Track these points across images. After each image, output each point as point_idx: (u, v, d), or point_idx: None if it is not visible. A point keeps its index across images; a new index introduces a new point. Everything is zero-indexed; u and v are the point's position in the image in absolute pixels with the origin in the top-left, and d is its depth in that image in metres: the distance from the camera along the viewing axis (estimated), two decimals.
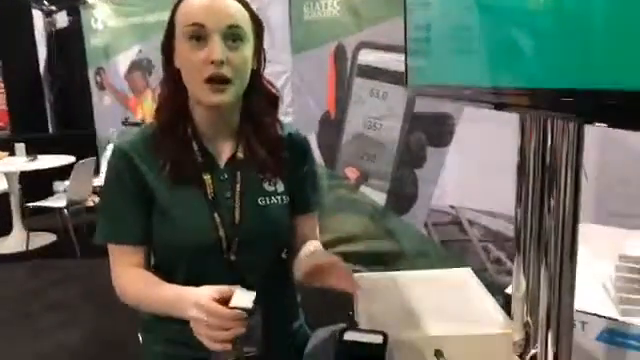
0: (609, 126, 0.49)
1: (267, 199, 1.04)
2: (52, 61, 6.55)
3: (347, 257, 3.77)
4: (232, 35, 0.93)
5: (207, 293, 0.85)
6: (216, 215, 0.99)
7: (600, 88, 0.49)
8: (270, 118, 1.07)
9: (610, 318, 1.34)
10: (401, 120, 3.37)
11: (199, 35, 0.92)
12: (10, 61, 6.26)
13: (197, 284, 0.97)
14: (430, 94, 1.17)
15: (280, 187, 1.06)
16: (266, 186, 1.05)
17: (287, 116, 3.99)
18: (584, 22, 0.52)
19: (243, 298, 0.85)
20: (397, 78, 3.29)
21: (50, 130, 6.71)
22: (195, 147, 1.01)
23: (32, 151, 4.90)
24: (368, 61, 3.53)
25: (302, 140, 1.14)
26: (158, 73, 4.13)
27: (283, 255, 1.13)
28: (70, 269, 4.19)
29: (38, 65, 6.51)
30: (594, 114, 0.51)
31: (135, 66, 5.41)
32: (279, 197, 1.06)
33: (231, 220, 1.00)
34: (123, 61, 5.54)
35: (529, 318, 0.96)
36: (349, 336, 0.79)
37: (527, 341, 0.96)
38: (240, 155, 1.04)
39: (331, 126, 3.84)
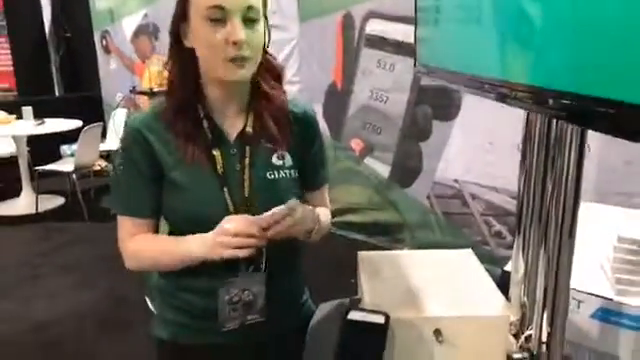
0: (607, 134, 0.51)
1: (276, 173, 1.07)
2: (57, 24, 6.49)
3: (351, 227, 3.86)
4: (250, 15, 0.96)
5: (219, 229, 0.96)
6: (225, 189, 1.02)
7: (602, 96, 0.50)
8: (277, 91, 1.09)
9: (605, 297, 1.38)
10: (407, 93, 3.36)
11: (219, 16, 0.94)
12: (15, 23, 6.21)
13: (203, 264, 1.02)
14: (436, 76, 1.18)
15: (288, 161, 1.09)
16: (275, 160, 1.08)
17: (293, 85, 3.97)
18: (593, 29, 0.53)
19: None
20: (405, 50, 3.27)
21: (56, 93, 6.71)
22: (205, 124, 1.04)
23: (39, 114, 4.92)
24: (376, 31, 3.50)
25: (312, 117, 1.15)
26: (164, 38, 4.10)
27: None
28: (79, 231, 4.28)
29: (43, 27, 6.47)
30: (593, 121, 0.53)
31: (141, 30, 5.37)
32: (287, 171, 1.08)
33: (240, 193, 1.04)
34: (129, 25, 5.50)
35: (526, 299, 1.00)
36: (353, 316, 0.84)
37: (523, 321, 1.01)
38: (249, 130, 1.06)
39: (337, 97, 3.83)
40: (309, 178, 1.14)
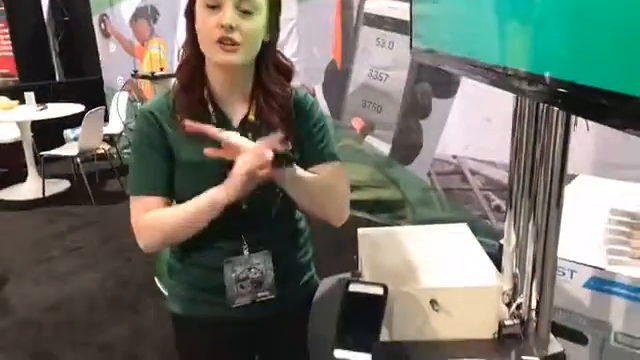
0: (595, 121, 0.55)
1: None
2: (56, 7, 6.46)
3: (353, 205, 3.91)
4: (243, 4, 1.01)
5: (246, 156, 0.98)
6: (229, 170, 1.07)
7: (592, 85, 0.53)
8: (280, 88, 1.12)
9: (597, 267, 1.44)
10: (407, 70, 3.38)
11: (215, 3, 1.00)
12: (14, 7, 6.19)
13: (214, 231, 1.07)
14: (430, 61, 1.21)
15: (288, 147, 1.13)
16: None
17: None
18: (583, 16, 0.56)
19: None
20: (404, 27, 3.26)
21: (57, 77, 6.71)
22: (211, 108, 1.10)
23: (40, 99, 4.95)
24: (375, 9, 3.50)
25: (312, 100, 1.19)
26: (163, 21, 4.14)
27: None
28: (86, 215, 4.35)
29: (42, 11, 6.44)
30: (582, 109, 0.57)
31: (139, 13, 5.35)
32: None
33: None
34: (127, 8, 5.48)
35: (517, 270, 1.06)
36: (353, 287, 0.89)
37: (515, 291, 1.06)
38: (252, 118, 1.11)
39: (337, 76, 3.84)
40: (312, 152, 1.16)
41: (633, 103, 0.47)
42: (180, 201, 1.12)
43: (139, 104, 5.56)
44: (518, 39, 0.74)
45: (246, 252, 1.12)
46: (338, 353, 0.81)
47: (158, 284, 3.09)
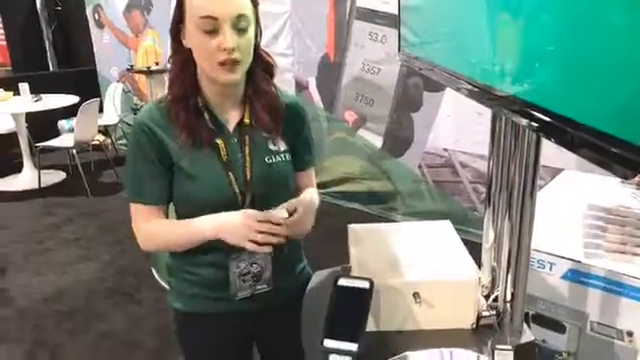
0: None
1: (273, 157, 1.18)
2: None
3: (345, 196, 3.98)
4: (240, 23, 1.04)
5: (250, 218, 1.06)
6: (230, 174, 1.13)
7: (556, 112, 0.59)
8: (268, 85, 1.18)
9: (575, 260, 1.51)
10: (399, 65, 3.43)
11: (212, 26, 1.02)
12: None
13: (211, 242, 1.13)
14: (416, 66, 1.28)
15: (282, 146, 1.20)
16: (271, 146, 1.19)
17: (286, 58, 4.02)
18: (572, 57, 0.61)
19: (278, 212, 1.09)
20: (396, 22, 3.31)
21: (50, 68, 6.70)
22: (206, 116, 1.14)
23: (34, 90, 4.95)
24: (367, 4, 3.54)
25: (300, 105, 1.26)
26: (157, 12, 4.16)
27: None
28: (82, 205, 4.39)
29: (35, 1, 6.41)
30: (546, 131, 0.64)
31: (133, 4, 5.34)
32: (282, 155, 1.20)
33: (244, 177, 1.15)
34: None
35: (495, 264, 1.13)
36: (342, 282, 0.96)
37: (493, 284, 1.14)
38: (247, 120, 1.16)
39: (330, 69, 3.89)
40: (299, 160, 1.25)
41: (579, 127, 0.54)
42: (177, 205, 1.18)
43: (135, 98, 5.57)
44: (492, 59, 0.80)
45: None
46: (327, 342, 0.87)
47: (155, 275, 3.16)
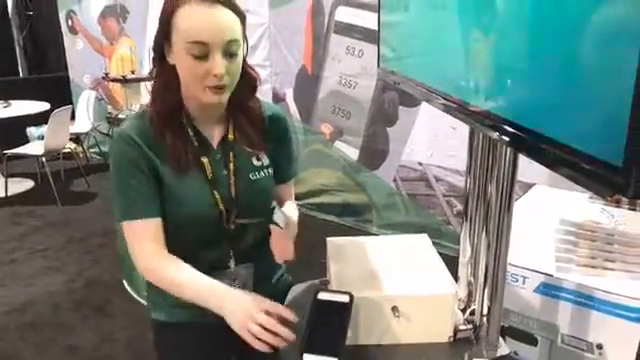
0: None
1: (257, 173, 1.17)
2: (20, 1, 6.31)
3: (321, 208, 3.98)
4: (231, 48, 1.01)
5: (256, 305, 0.97)
6: (215, 192, 1.11)
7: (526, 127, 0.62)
8: (252, 100, 1.17)
9: (547, 274, 1.55)
10: (375, 79, 3.47)
11: (202, 52, 0.99)
12: None
13: (201, 250, 1.13)
14: (396, 81, 1.30)
15: (266, 161, 1.20)
16: (255, 162, 1.18)
17: (264, 69, 4.03)
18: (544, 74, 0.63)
19: (278, 219, 1.03)
20: (373, 37, 3.35)
21: (21, 74, 6.55)
22: (191, 132, 1.11)
23: (4, 96, 4.83)
24: (345, 18, 3.58)
25: (283, 118, 1.25)
26: (133, 20, 4.12)
27: None
28: (51, 215, 4.28)
29: (6, 4, 6.28)
30: (520, 147, 0.66)
31: (108, 11, 5.28)
32: (266, 170, 1.19)
33: (228, 195, 1.13)
34: (95, 5, 5.40)
35: (472, 278, 1.15)
36: (322, 296, 0.96)
37: (469, 297, 1.16)
38: (231, 136, 1.15)
39: (308, 81, 3.91)
40: (281, 173, 1.25)
41: (557, 145, 0.56)
42: (168, 222, 1.11)
43: (109, 107, 5.49)
44: (466, 75, 0.83)
45: (232, 264, 1.17)
46: (307, 357, 0.87)
47: (127, 287, 3.10)
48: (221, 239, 1.15)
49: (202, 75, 1.01)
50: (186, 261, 1.09)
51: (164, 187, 1.10)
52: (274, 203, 1.06)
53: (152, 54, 1.10)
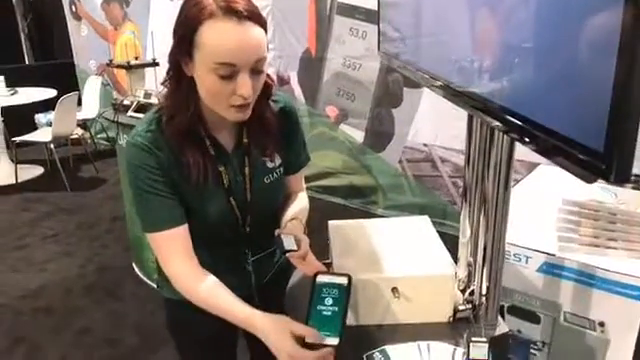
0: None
1: (271, 176, 1.17)
2: None
3: (327, 190, 3.99)
4: (258, 65, 0.95)
5: (290, 343, 0.92)
6: (232, 199, 1.12)
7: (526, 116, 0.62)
8: (266, 108, 1.13)
9: (549, 253, 1.56)
10: (379, 60, 3.45)
11: (229, 72, 0.93)
12: None
13: (217, 251, 1.14)
14: (395, 65, 1.29)
15: (278, 160, 1.19)
16: (269, 164, 1.17)
17: (268, 52, 4.01)
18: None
19: (288, 244, 1.02)
20: (376, 18, 3.33)
21: (27, 61, 6.57)
22: (207, 142, 1.08)
23: (10, 83, 4.85)
24: None
25: (292, 109, 1.22)
26: (136, 4, 4.10)
27: None
28: (61, 201, 4.33)
29: None
30: (514, 132, 0.66)
31: None
32: (278, 170, 1.19)
33: (244, 200, 1.14)
34: None
35: (471, 259, 1.16)
36: (321, 278, 0.98)
37: (469, 278, 1.17)
38: (245, 141, 1.13)
39: (312, 64, 3.89)
40: (292, 163, 1.24)
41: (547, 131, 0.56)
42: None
43: (114, 92, 5.50)
44: (467, 63, 0.83)
45: (249, 259, 1.21)
46: (309, 338, 0.90)
47: (137, 271, 3.15)
48: (237, 240, 1.18)
49: (227, 94, 0.96)
50: (202, 258, 1.09)
51: (181, 197, 1.08)
52: (277, 232, 1.05)
53: (167, 68, 1.03)
